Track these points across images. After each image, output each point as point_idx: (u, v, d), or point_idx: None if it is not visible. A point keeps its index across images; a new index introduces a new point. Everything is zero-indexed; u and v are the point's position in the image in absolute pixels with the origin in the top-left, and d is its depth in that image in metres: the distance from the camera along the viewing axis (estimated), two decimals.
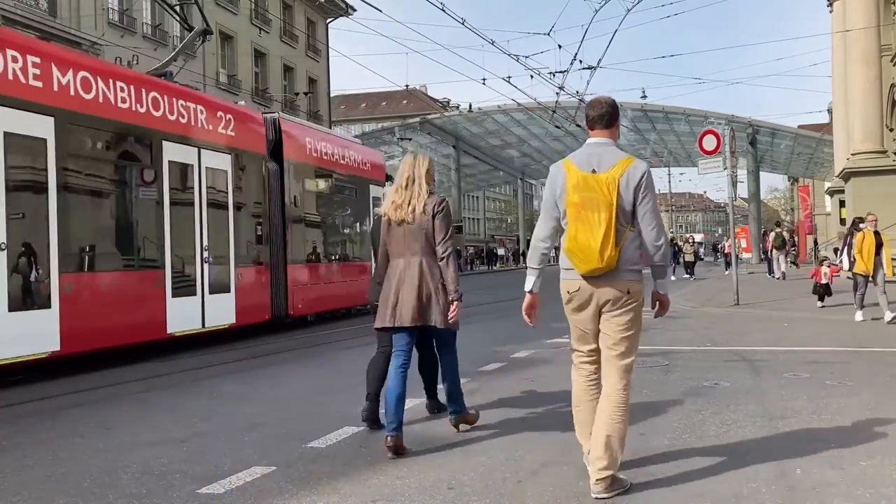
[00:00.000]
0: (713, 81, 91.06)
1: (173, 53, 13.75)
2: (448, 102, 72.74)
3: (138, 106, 9.82)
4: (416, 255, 4.66)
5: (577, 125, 33.51)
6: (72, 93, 8.73)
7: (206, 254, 10.92)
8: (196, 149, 10.90)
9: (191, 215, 10.76)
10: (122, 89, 9.54)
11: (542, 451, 4.51)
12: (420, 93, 60.96)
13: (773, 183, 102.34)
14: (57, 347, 8.30)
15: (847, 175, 24.48)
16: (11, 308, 7.78)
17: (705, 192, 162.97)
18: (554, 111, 27.83)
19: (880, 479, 3.85)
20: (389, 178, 16.03)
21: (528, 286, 4.00)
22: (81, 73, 8.90)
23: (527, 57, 25.35)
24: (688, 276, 27.83)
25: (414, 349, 4.89)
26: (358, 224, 16.00)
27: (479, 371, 7.56)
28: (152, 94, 10.12)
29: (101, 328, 8.95)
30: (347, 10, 37.38)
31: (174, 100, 10.55)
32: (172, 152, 10.42)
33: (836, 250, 14.02)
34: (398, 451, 4.47)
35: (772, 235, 25.03)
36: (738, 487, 3.75)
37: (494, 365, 7.91)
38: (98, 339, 8.98)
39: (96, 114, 9.11)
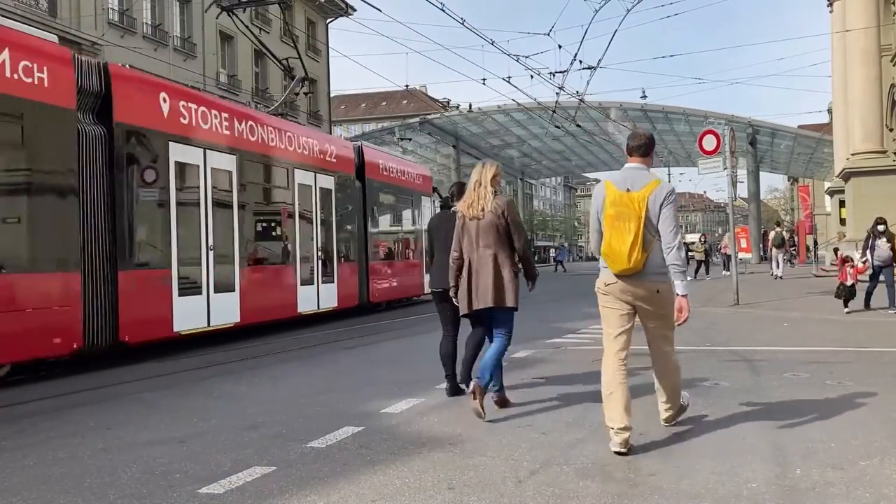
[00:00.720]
0: (713, 81, 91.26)
1: (281, 100, 16.82)
2: (448, 102, 72.74)
3: (280, 144, 13.03)
4: (490, 248, 5.47)
5: (577, 125, 33.57)
6: (245, 137, 11.94)
7: (319, 253, 14.11)
8: (313, 173, 14.08)
9: (310, 224, 14.02)
10: (270, 132, 12.74)
11: (542, 451, 4.51)
12: (420, 93, 60.96)
13: (773, 183, 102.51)
14: (238, 320, 11.33)
15: (847, 175, 24.49)
16: (216, 291, 10.83)
17: (705, 192, 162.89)
18: (554, 111, 27.82)
19: (880, 479, 3.85)
20: (435, 190, 20.39)
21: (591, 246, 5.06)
22: (249, 123, 12.10)
23: (527, 57, 25.42)
24: (704, 277, 26.57)
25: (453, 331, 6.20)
26: (413, 228, 19.22)
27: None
28: (288, 134, 13.35)
29: (261, 307, 12.01)
30: (347, 10, 37.39)
31: (301, 137, 13.81)
32: (301, 177, 13.62)
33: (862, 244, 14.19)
34: (504, 404, 5.71)
35: (772, 235, 25.07)
36: (738, 487, 3.75)
37: None
38: (259, 315, 11.97)
39: (257, 151, 12.31)
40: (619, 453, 4.33)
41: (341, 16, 37.83)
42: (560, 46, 23.37)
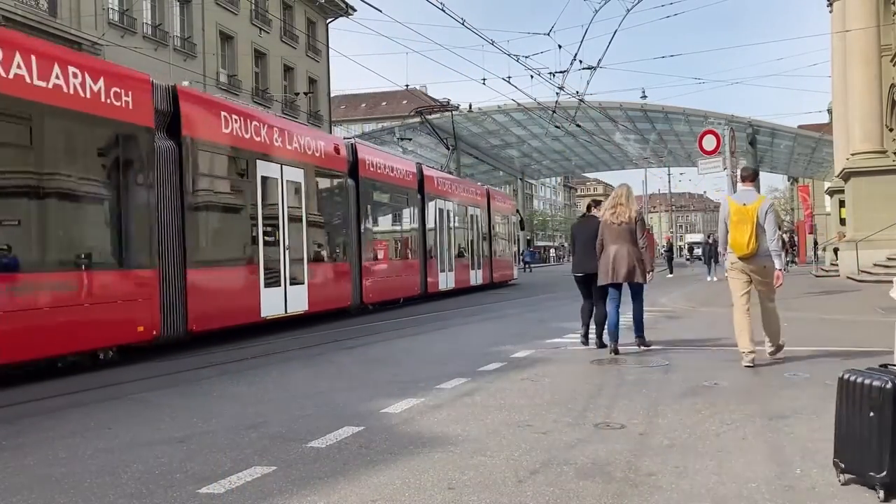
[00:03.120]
0: (713, 81, 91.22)
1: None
2: (448, 102, 72.71)
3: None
4: (626, 244, 8.19)
5: (577, 125, 33.58)
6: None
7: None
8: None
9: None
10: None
11: (542, 451, 4.51)
12: (420, 93, 60.92)
13: (773, 183, 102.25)
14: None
15: (847, 175, 24.46)
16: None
17: (705, 192, 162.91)
18: (554, 111, 27.83)
19: None
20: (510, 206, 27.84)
21: (720, 249, 8.04)
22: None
23: (527, 57, 25.39)
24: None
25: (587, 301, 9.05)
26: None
27: (478, 371, 7.55)
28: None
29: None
30: (347, 10, 37.38)
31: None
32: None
33: None
34: (648, 345, 8.56)
35: None
36: (738, 487, 3.75)
37: (494, 365, 7.90)
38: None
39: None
40: (748, 366, 7.02)
41: (341, 16, 37.82)
42: (560, 46, 23.35)
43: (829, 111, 42.20)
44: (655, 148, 50.84)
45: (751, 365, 7.00)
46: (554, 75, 22.05)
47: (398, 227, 19.03)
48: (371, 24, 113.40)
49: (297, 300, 13.00)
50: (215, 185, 11.43)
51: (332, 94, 40.24)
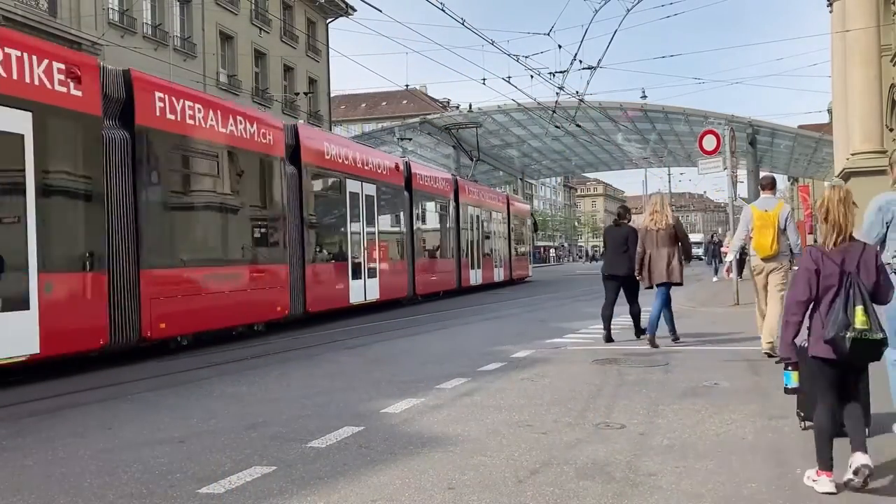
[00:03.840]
0: (713, 81, 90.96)
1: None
2: (448, 102, 72.69)
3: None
4: (665, 248, 9.02)
5: (577, 125, 33.54)
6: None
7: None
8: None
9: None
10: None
11: (541, 451, 4.51)
12: (420, 93, 60.92)
13: None
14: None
15: (847, 175, 24.45)
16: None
17: (705, 192, 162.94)
18: (554, 111, 27.80)
19: (880, 479, 3.85)
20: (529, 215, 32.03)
21: (729, 257, 10.30)
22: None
23: (527, 57, 25.25)
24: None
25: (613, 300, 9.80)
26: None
27: (478, 371, 7.55)
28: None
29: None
30: (347, 10, 37.34)
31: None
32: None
33: None
34: (654, 344, 8.84)
35: None
36: (738, 487, 3.75)
37: (494, 365, 7.90)
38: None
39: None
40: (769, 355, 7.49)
41: (341, 16, 37.77)
42: (560, 46, 23.24)
43: (829, 111, 42.19)
44: (655, 148, 50.78)
45: (772, 354, 7.43)
46: (554, 75, 22.03)
47: (439, 231, 21.80)
48: (371, 24, 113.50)
49: (372, 290, 15.99)
50: (321, 203, 14.64)
51: (332, 94, 40.20)
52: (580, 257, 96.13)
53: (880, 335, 3.59)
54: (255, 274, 11.76)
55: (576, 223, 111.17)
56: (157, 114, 9.75)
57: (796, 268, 7.41)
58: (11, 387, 7.55)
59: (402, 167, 18.52)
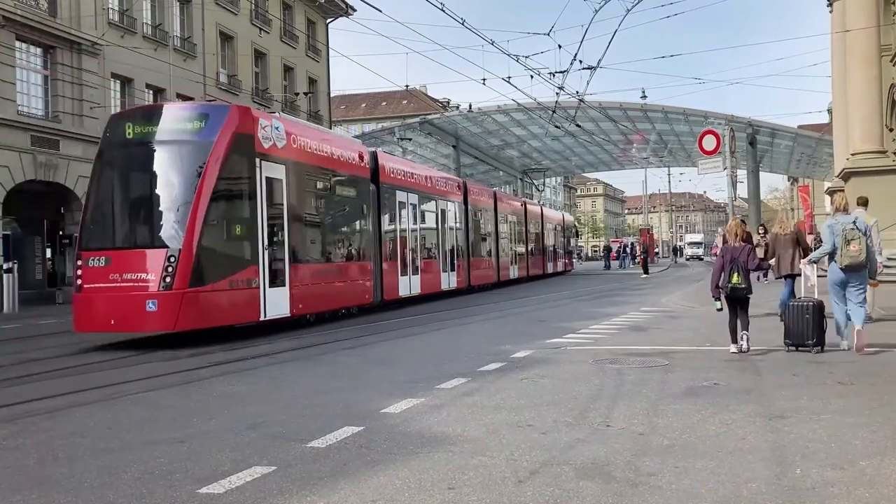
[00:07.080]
0: (713, 81, 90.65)
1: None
2: (448, 102, 72.65)
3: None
4: (790, 249, 11.45)
5: (577, 125, 33.54)
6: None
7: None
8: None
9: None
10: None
11: (542, 451, 4.51)
12: (420, 93, 60.91)
13: (773, 183, 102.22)
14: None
15: (847, 175, 24.44)
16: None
17: (705, 192, 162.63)
18: (554, 111, 27.79)
19: (880, 479, 3.86)
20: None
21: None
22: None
23: (527, 57, 25.17)
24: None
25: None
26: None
27: (478, 371, 7.56)
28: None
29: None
30: (347, 10, 37.33)
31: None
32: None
33: None
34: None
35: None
36: (738, 487, 3.75)
37: (494, 365, 7.90)
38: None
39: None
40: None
41: (341, 16, 37.76)
42: (560, 46, 23.24)
43: (829, 111, 42.19)
44: (655, 148, 50.76)
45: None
46: (554, 75, 21.99)
47: (483, 235, 26.31)
48: (371, 24, 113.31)
49: (415, 286, 18.84)
50: (392, 216, 17.99)
51: (331, 94, 40.20)
52: (579, 257, 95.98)
53: (744, 286, 8.28)
54: (353, 270, 15.49)
55: (576, 223, 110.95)
56: (389, 173, 17.58)
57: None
58: (11, 387, 7.56)
59: (461, 184, 23.94)
